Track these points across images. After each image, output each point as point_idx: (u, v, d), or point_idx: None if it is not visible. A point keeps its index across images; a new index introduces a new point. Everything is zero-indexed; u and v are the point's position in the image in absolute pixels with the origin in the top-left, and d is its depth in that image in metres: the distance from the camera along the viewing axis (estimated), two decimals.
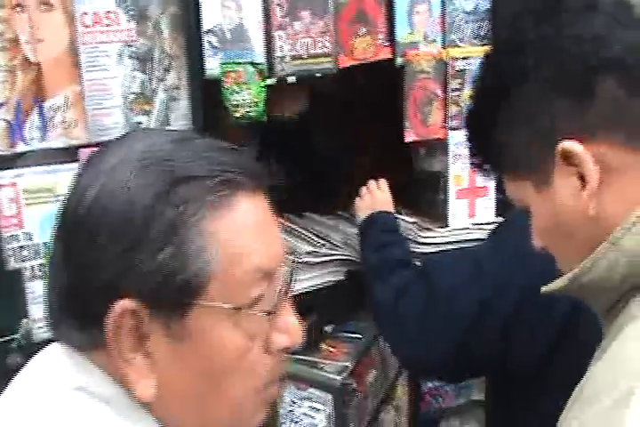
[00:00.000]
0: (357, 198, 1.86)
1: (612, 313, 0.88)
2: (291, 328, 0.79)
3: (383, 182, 1.88)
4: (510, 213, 1.60)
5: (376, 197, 1.84)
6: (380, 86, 1.98)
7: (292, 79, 1.73)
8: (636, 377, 0.77)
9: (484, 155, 1.02)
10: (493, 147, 0.96)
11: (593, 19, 0.89)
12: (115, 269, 0.70)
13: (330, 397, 1.59)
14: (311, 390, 1.62)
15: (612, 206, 0.86)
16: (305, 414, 1.64)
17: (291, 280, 0.81)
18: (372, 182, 1.88)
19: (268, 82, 1.69)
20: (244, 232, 0.74)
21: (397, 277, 1.58)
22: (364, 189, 1.87)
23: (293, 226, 1.97)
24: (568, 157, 0.86)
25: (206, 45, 1.58)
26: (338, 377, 1.62)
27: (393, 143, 1.96)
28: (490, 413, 1.67)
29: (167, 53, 1.50)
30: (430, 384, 2.20)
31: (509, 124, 0.92)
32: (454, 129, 1.95)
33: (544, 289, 0.95)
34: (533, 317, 1.37)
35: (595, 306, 0.92)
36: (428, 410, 2.21)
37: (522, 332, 1.38)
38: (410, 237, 1.87)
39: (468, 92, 1.94)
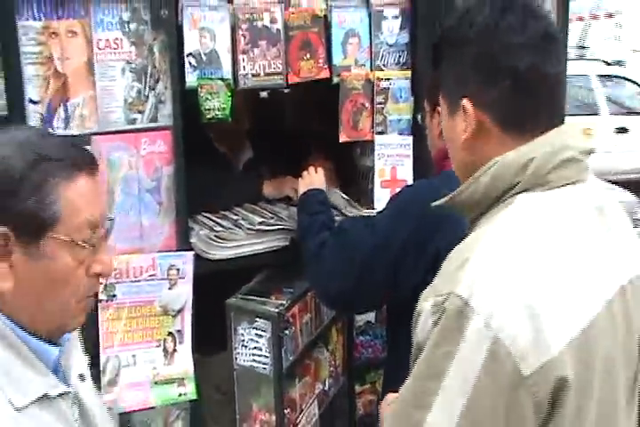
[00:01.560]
0: (300, 179, 2.36)
1: (475, 223, 1.27)
2: (105, 261, 1.20)
3: (320, 169, 2.37)
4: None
5: (313, 177, 2.33)
6: (321, 100, 2.50)
7: (263, 94, 2.27)
8: (471, 250, 1.14)
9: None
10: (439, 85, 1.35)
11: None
12: None
13: (269, 323, 2.10)
14: (256, 319, 2.13)
15: (478, 152, 1.26)
16: (252, 339, 2.15)
17: (108, 231, 1.23)
18: (311, 168, 2.38)
19: (263, 94, 2.21)
20: (81, 196, 1.14)
21: (320, 236, 2.10)
22: (304, 172, 2.37)
23: (252, 206, 2.49)
24: (464, 108, 1.25)
25: (187, 64, 2.08)
26: (275, 309, 2.13)
27: (336, 144, 2.47)
28: (388, 338, 2.18)
29: (157, 69, 2.00)
30: (362, 337, 2.70)
31: (449, 75, 1.31)
32: (379, 133, 2.47)
33: (434, 203, 1.33)
34: (412, 256, 1.89)
35: (467, 217, 1.29)
36: (359, 358, 2.70)
37: (404, 268, 1.89)
38: (341, 210, 2.39)
39: (390, 105, 2.47)
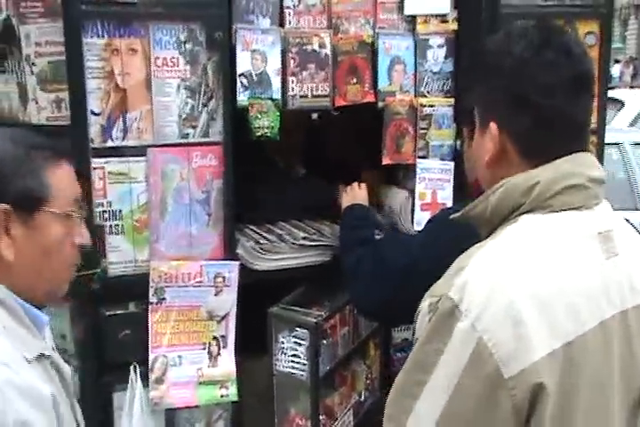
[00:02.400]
0: (343, 193, 2.35)
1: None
2: (84, 233, 1.36)
3: (363, 185, 2.36)
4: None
5: (356, 193, 2.32)
6: (367, 124, 2.50)
7: (314, 116, 2.29)
8: (469, 259, 1.19)
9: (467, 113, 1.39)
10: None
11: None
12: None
13: (307, 332, 2.08)
14: (296, 329, 2.11)
15: (497, 172, 1.29)
16: (291, 347, 2.13)
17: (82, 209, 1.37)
18: (354, 183, 2.37)
19: (314, 116, 2.24)
20: (64, 178, 1.31)
21: (358, 251, 2.07)
22: (348, 188, 2.35)
23: (297, 221, 2.49)
24: (491, 131, 1.27)
25: (239, 84, 2.12)
26: (314, 319, 2.11)
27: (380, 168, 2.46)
28: None
29: (210, 88, 2.04)
30: (399, 354, 2.64)
31: (482, 97, 1.32)
32: (421, 157, 2.45)
33: (452, 216, 1.37)
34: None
35: (482, 233, 1.30)
36: (396, 374, 2.62)
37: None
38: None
39: (432, 131, 2.44)
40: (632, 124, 7.75)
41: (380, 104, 2.36)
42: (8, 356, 1.16)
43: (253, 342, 2.21)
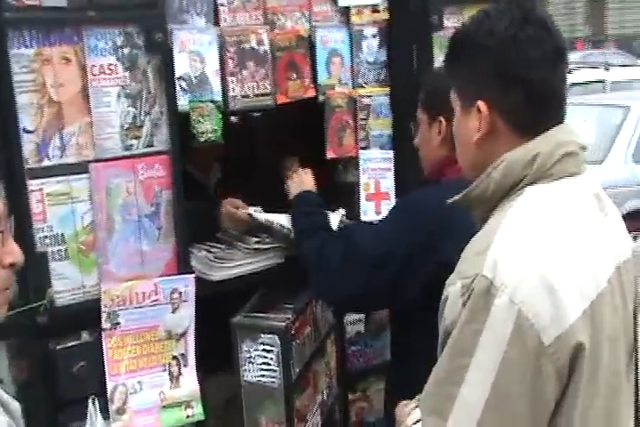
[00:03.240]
0: (289, 180, 2.15)
1: (487, 217, 1.27)
2: (15, 251, 1.18)
3: (308, 169, 2.18)
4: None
5: (302, 178, 2.14)
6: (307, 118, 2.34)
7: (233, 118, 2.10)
8: (492, 236, 1.17)
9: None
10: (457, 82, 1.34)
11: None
12: None
13: (276, 338, 1.94)
14: (261, 335, 1.96)
15: (488, 150, 1.27)
16: (259, 355, 1.98)
17: (10, 225, 1.20)
18: (299, 169, 2.19)
19: (232, 118, 2.04)
20: None
21: (319, 236, 1.94)
22: (294, 174, 2.16)
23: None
24: (479, 110, 1.25)
25: (178, 88, 1.91)
26: (282, 323, 1.96)
27: (317, 161, 2.32)
28: (392, 341, 2.04)
29: (152, 94, 1.82)
30: (353, 347, 2.54)
31: (466, 78, 1.31)
32: (363, 148, 2.33)
33: (449, 200, 1.34)
34: (418, 262, 1.77)
35: (475, 216, 1.31)
36: (351, 368, 2.54)
37: (410, 274, 1.77)
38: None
39: (371, 121, 2.33)
40: None
41: (321, 98, 2.22)
42: None
43: (214, 356, 2.05)
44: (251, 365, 1.98)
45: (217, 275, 2.02)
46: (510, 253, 1.14)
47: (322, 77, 2.20)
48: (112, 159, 1.79)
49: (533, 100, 1.24)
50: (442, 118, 1.88)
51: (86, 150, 1.76)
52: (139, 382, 1.92)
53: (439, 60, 2.35)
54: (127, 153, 1.81)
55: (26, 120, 1.66)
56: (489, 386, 1.10)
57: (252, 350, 1.96)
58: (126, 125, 1.80)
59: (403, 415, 1.46)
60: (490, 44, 1.25)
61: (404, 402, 1.51)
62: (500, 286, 1.11)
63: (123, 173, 1.81)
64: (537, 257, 1.14)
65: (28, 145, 1.68)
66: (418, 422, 1.34)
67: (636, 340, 1.32)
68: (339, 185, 2.42)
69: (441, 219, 1.75)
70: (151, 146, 1.85)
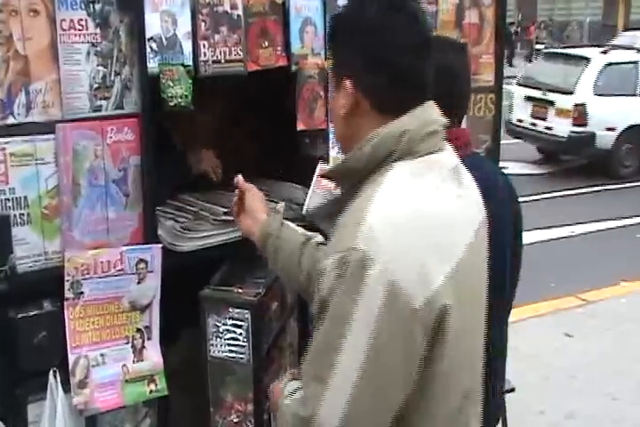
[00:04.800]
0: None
1: (356, 189, 1.36)
2: None
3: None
4: None
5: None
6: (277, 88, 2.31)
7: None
8: (365, 210, 1.26)
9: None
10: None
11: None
12: None
13: (248, 312, 1.90)
14: (230, 309, 1.92)
15: (354, 126, 1.38)
16: (227, 330, 1.94)
17: None
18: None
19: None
20: None
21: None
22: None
23: (207, 193, 2.27)
24: (345, 88, 1.36)
25: (148, 49, 1.85)
26: (254, 298, 1.92)
27: (284, 133, 2.28)
28: None
29: (123, 53, 1.76)
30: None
31: (338, 55, 1.44)
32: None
33: (323, 172, 1.53)
34: None
35: (343, 186, 1.42)
36: None
37: None
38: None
39: None
40: None
41: (294, 68, 2.18)
42: None
43: (180, 329, 2.01)
44: (219, 339, 1.95)
45: (184, 245, 1.98)
46: (382, 226, 1.24)
47: (295, 46, 2.16)
48: (80, 120, 1.72)
49: (397, 84, 1.34)
50: None
51: (53, 109, 1.69)
52: (101, 354, 1.87)
53: None
54: (96, 114, 1.74)
55: None
56: (365, 351, 1.20)
57: (220, 324, 1.92)
58: (95, 85, 1.73)
59: (278, 393, 1.47)
60: (361, 27, 1.35)
61: (276, 382, 1.58)
62: (374, 256, 1.20)
63: (90, 136, 1.74)
64: (406, 229, 1.25)
65: None
66: (293, 393, 1.37)
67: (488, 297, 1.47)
68: (304, 158, 2.40)
69: None
70: (121, 108, 1.79)
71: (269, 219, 1.82)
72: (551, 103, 10.19)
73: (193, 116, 2.22)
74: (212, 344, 1.95)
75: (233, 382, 1.97)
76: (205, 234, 2.02)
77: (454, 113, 1.93)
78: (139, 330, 1.93)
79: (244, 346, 1.93)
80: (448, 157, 1.42)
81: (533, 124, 10.44)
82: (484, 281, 1.45)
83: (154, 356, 1.95)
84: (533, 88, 10.54)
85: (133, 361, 1.92)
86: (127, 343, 1.91)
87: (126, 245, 1.86)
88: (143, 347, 1.94)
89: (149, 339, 1.95)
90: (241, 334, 1.90)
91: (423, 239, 1.26)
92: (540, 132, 10.31)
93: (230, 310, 1.91)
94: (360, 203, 1.30)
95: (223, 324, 1.92)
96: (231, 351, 1.94)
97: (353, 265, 1.21)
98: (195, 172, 2.33)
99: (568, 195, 8.99)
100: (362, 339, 1.20)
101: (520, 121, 10.61)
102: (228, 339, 1.93)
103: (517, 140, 10.58)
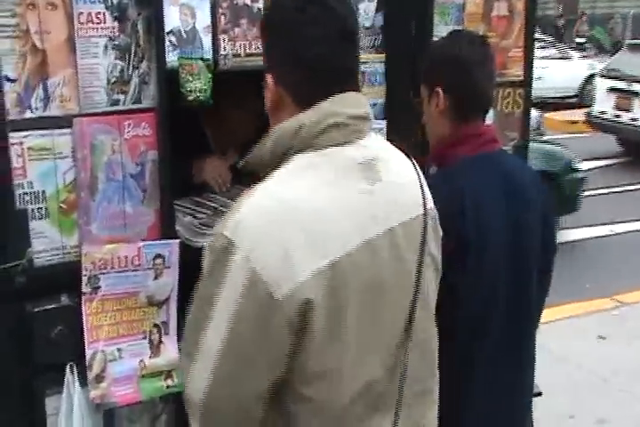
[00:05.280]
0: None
1: None
2: None
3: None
4: None
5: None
6: None
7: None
8: (244, 199, 1.30)
9: None
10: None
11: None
12: None
13: None
14: None
15: (279, 119, 1.37)
16: None
17: None
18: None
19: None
20: None
21: None
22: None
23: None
24: (268, 82, 1.38)
25: (167, 43, 1.86)
26: None
27: None
28: None
29: (141, 47, 1.76)
30: None
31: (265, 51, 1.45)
32: None
33: (238, 165, 1.47)
34: None
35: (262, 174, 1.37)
36: None
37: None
38: None
39: (365, 89, 2.28)
40: None
41: None
42: None
43: None
44: None
45: (202, 241, 1.98)
46: (253, 213, 1.26)
47: None
48: (97, 114, 1.73)
49: (310, 77, 1.34)
50: (439, 89, 1.86)
51: (71, 103, 1.70)
52: (118, 349, 1.87)
53: (439, 28, 2.33)
54: (113, 108, 1.75)
55: (7, 68, 1.60)
56: (224, 334, 1.24)
57: None
58: (113, 79, 1.74)
59: None
60: (275, 22, 1.39)
61: None
62: (238, 244, 1.22)
63: (108, 130, 1.75)
64: (277, 219, 1.25)
65: (9, 95, 1.62)
66: None
67: (415, 297, 1.41)
68: None
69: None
70: (138, 102, 1.79)
71: None
72: (636, 94, 9.97)
73: (227, 114, 2.23)
74: None
75: None
76: None
77: (471, 107, 1.90)
78: (156, 325, 1.93)
79: None
80: (360, 150, 1.36)
81: (617, 116, 10.23)
82: (395, 285, 1.37)
83: (171, 351, 1.95)
84: (617, 79, 10.31)
85: (150, 356, 1.93)
86: (144, 338, 1.92)
87: (144, 241, 1.86)
88: (160, 342, 1.95)
89: (166, 334, 1.95)
90: None
91: (292, 231, 1.24)
92: (625, 123, 10.08)
93: None
94: (246, 192, 1.33)
95: None
96: None
97: (218, 251, 1.25)
98: (195, 181, 2.32)
99: (610, 192, 8.81)
100: (223, 322, 1.24)
101: (602, 113, 10.41)
102: None
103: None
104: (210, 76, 1.94)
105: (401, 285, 1.39)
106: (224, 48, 1.97)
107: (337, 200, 1.30)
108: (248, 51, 2.01)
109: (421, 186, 1.46)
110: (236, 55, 2.00)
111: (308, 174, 1.31)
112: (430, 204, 1.48)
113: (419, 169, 1.50)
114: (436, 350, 1.50)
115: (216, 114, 2.37)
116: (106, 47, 1.71)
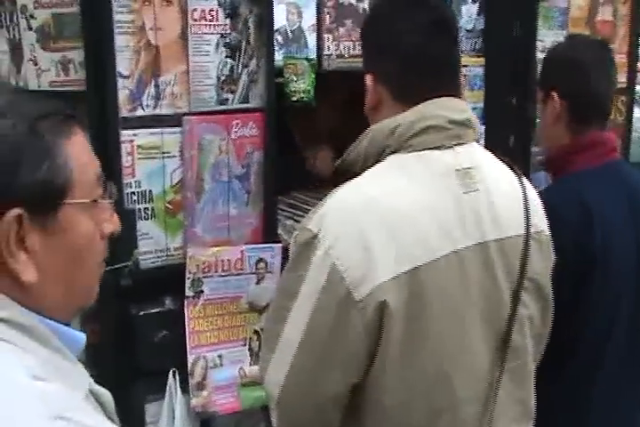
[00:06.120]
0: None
1: None
2: (114, 219, 0.97)
3: None
4: None
5: None
6: None
7: None
8: (331, 195, 1.27)
9: None
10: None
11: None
12: (2, 186, 0.82)
13: None
14: None
15: (377, 119, 1.33)
16: None
17: (110, 190, 0.97)
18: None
19: None
20: (83, 150, 0.90)
21: None
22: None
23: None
24: (368, 82, 1.34)
25: (274, 42, 1.82)
26: None
27: None
28: None
29: (251, 45, 1.73)
30: None
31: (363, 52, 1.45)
32: None
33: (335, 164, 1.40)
34: None
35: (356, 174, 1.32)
36: None
37: None
38: None
39: (465, 92, 2.21)
40: None
41: None
42: (65, 403, 0.81)
43: None
44: None
45: None
46: (338, 209, 1.23)
47: None
48: (207, 113, 1.69)
49: (407, 68, 1.30)
50: (554, 93, 1.78)
51: (180, 101, 1.66)
52: (219, 355, 1.82)
53: (542, 32, 2.26)
54: (222, 107, 1.71)
55: (121, 64, 1.57)
56: (303, 329, 1.21)
57: None
58: (223, 78, 1.70)
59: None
60: (370, 20, 1.42)
61: None
62: (321, 238, 1.19)
63: (216, 130, 1.71)
64: (362, 215, 1.20)
65: (121, 92, 1.59)
66: None
67: (510, 320, 1.31)
68: None
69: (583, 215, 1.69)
70: (246, 102, 1.75)
71: None
72: None
73: (314, 112, 2.17)
74: None
75: None
76: None
77: (590, 112, 1.81)
78: (256, 332, 1.87)
79: None
80: (458, 157, 1.29)
81: None
82: (484, 304, 1.28)
83: None
84: None
85: (250, 364, 1.86)
86: (244, 345, 1.86)
87: (246, 244, 1.81)
88: (260, 350, 1.88)
89: None
90: None
91: (374, 228, 1.19)
92: None
93: None
94: (336, 189, 1.29)
95: None
96: None
97: (302, 244, 1.23)
98: (311, 169, 2.27)
99: None
100: (302, 317, 1.22)
101: None
102: None
103: None
104: (313, 76, 1.90)
105: (492, 305, 1.29)
106: (328, 48, 1.92)
107: (427, 204, 1.24)
108: (352, 52, 1.96)
109: (526, 203, 1.35)
110: (340, 56, 1.95)
111: (400, 174, 1.26)
112: (538, 225, 1.37)
113: (526, 184, 1.40)
114: (532, 373, 1.40)
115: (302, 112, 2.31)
116: (217, 45, 1.68)
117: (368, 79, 1.34)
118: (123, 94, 1.59)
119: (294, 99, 1.88)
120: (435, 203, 1.25)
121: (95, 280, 0.98)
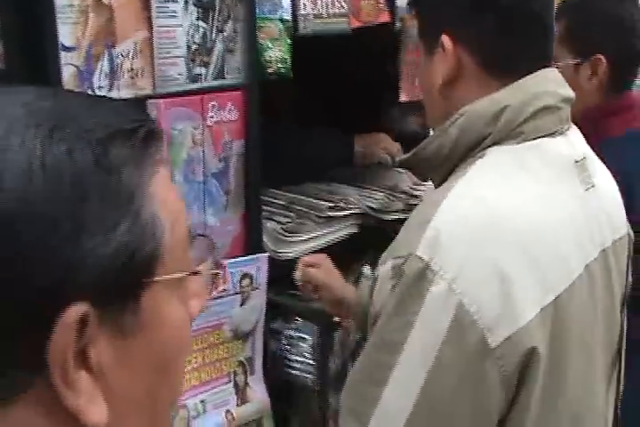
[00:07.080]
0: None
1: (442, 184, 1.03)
2: (201, 291, 0.59)
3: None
4: None
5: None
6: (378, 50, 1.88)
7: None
8: (434, 208, 0.93)
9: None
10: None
11: None
12: (55, 270, 0.46)
13: (315, 327, 1.52)
14: (299, 320, 1.55)
15: (456, 98, 1.02)
16: (291, 344, 1.56)
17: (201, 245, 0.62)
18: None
19: None
20: (170, 189, 0.54)
21: None
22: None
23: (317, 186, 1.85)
24: (443, 46, 1.01)
25: None
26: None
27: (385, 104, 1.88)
28: None
29: (226, 3, 1.32)
30: None
31: (428, 9, 1.09)
32: None
33: (397, 159, 1.16)
34: None
35: (433, 179, 1.07)
36: None
37: None
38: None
39: None
40: None
41: (398, 25, 1.76)
42: None
43: None
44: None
45: (290, 251, 1.56)
46: (455, 230, 0.91)
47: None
48: (176, 95, 1.28)
49: (507, 28, 0.99)
50: (600, 56, 1.54)
51: (142, 80, 1.23)
52: (201, 401, 1.44)
53: None
54: (195, 86, 1.30)
55: (63, 31, 1.12)
56: (417, 392, 0.89)
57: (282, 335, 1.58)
58: (194, 46, 1.29)
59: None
60: None
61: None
62: (439, 269, 0.88)
63: (189, 115, 1.30)
64: (489, 236, 0.90)
65: (65, 69, 1.14)
66: None
67: (621, 336, 1.12)
68: (409, 135, 1.99)
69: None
70: (221, 77, 1.35)
71: (359, 292, 1.37)
72: None
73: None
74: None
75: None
76: (309, 236, 1.60)
77: (624, 75, 1.59)
78: (240, 363, 1.52)
79: (311, 364, 1.57)
80: (571, 144, 1.05)
81: None
82: (612, 314, 1.08)
83: (259, 394, 1.54)
84: None
85: (237, 404, 1.51)
86: (229, 382, 1.50)
87: (225, 257, 1.43)
88: (246, 385, 1.53)
89: (252, 374, 1.54)
90: (306, 348, 1.56)
91: (510, 253, 0.90)
92: None
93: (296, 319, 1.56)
94: (433, 199, 0.98)
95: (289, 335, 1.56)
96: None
97: (410, 276, 0.89)
98: (359, 159, 1.91)
99: None
100: (415, 376, 0.90)
101: None
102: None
103: None
104: (289, 41, 1.51)
105: (609, 324, 1.08)
106: (304, 6, 1.54)
107: (561, 214, 0.98)
108: (330, 10, 1.59)
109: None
110: (318, 15, 1.57)
111: (520, 175, 0.97)
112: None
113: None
114: None
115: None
116: (186, 2, 1.25)
117: (445, 40, 1.01)
118: (67, 73, 1.14)
119: (270, 70, 1.48)
120: (562, 209, 0.99)
121: (177, 396, 0.59)
